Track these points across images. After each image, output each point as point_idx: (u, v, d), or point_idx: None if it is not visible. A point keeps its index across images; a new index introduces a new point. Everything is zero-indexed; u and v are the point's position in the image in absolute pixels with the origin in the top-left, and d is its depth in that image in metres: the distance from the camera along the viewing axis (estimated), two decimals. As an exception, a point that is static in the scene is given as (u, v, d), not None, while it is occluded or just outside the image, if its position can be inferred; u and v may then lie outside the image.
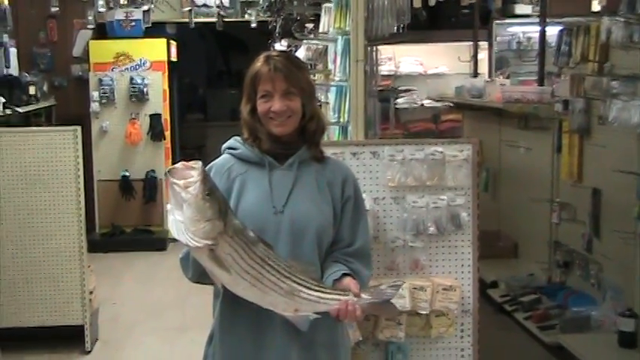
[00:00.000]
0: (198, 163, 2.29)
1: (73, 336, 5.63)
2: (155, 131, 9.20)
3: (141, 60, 9.35)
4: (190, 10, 9.61)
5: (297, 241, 2.51)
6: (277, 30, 8.34)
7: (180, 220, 2.26)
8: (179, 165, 2.30)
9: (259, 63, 2.57)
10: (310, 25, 7.27)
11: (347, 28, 4.54)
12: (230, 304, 2.52)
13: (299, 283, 2.38)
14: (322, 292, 2.42)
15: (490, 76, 8.28)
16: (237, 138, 2.65)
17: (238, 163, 2.60)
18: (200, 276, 2.48)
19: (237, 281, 2.34)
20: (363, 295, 2.44)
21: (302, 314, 2.41)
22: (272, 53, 2.63)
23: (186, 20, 9.74)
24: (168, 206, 2.30)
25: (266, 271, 2.34)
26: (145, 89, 9.15)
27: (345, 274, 2.51)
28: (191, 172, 2.27)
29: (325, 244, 2.57)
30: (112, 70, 9.27)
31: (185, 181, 2.25)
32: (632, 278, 5.03)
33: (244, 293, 2.38)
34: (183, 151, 10.76)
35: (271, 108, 2.52)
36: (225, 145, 2.68)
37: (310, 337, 2.50)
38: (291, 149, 2.59)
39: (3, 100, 7.24)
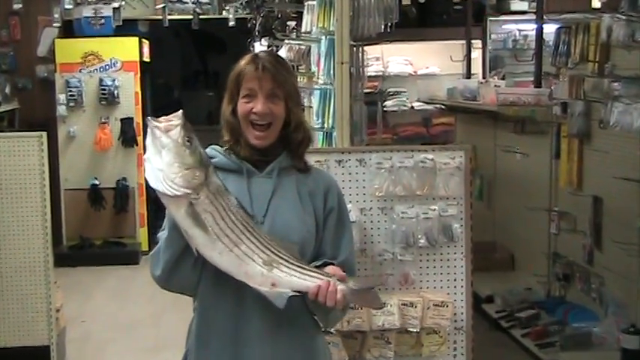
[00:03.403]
0: (179, 113, 2.37)
1: (38, 357, 5.59)
2: (127, 136, 9.18)
3: (111, 60, 9.33)
4: (164, 7, 9.62)
5: None
6: (257, 28, 8.37)
7: (159, 168, 2.30)
8: (161, 118, 2.38)
9: (245, 61, 2.58)
10: (292, 24, 7.30)
11: (331, 28, 4.56)
12: (205, 320, 2.54)
13: (280, 257, 2.40)
14: (304, 268, 2.43)
15: (484, 76, 8.33)
16: (215, 147, 2.67)
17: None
18: (170, 271, 2.47)
19: (215, 244, 2.36)
20: (348, 281, 2.44)
21: (280, 290, 2.40)
22: (260, 53, 2.67)
23: (160, 17, 9.75)
24: (145, 156, 2.35)
25: (246, 238, 2.37)
26: (115, 91, 9.14)
27: (327, 263, 2.52)
28: (172, 119, 2.35)
29: (307, 258, 2.57)
30: (80, 71, 9.25)
31: (166, 124, 2.32)
32: (635, 292, 5.06)
33: (219, 259, 2.39)
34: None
35: (253, 109, 2.52)
36: None
37: (288, 355, 2.51)
38: (270, 156, 2.60)
39: (-38, 103, 7.22)
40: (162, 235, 2.48)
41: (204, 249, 2.38)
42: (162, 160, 2.30)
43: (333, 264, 2.53)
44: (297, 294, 2.42)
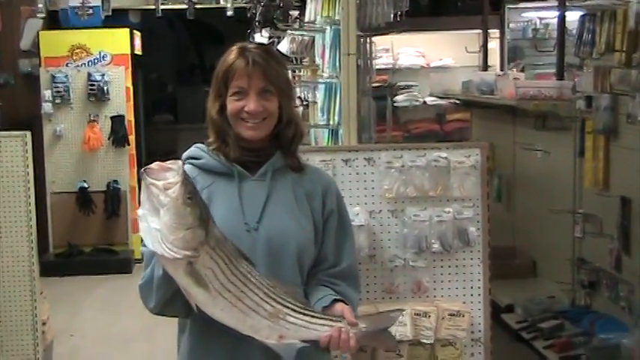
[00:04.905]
0: (177, 163, 2.31)
1: (23, 374, 5.62)
2: (117, 136, 9.19)
3: (100, 53, 9.35)
4: (157, -4, 9.64)
5: (275, 263, 2.51)
6: (257, 18, 8.37)
7: (156, 228, 2.25)
8: (154, 165, 2.31)
9: (233, 55, 2.58)
10: (295, 13, 7.30)
11: (336, 17, 4.58)
12: (200, 338, 2.53)
13: (285, 306, 2.39)
14: (312, 316, 2.43)
15: (502, 69, 8.35)
16: (200, 145, 2.66)
17: (202, 174, 2.61)
18: (164, 305, 2.47)
19: (216, 300, 2.34)
20: (360, 324, 2.45)
21: (287, 342, 2.41)
22: (248, 45, 2.64)
23: (153, 7, 9.79)
24: (140, 212, 2.30)
25: (248, 290, 2.35)
26: (105, 87, 9.15)
27: (335, 300, 2.52)
28: (169, 173, 2.28)
29: (307, 265, 2.59)
30: (67, 65, 9.27)
31: (164, 182, 2.26)
32: (667, 300, 5.06)
33: (222, 315, 2.37)
34: (150, 159, 10.69)
35: (244, 108, 2.53)
36: (185, 155, 2.68)
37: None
38: (262, 157, 2.60)
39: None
40: (157, 272, 2.42)
41: (206, 307, 2.36)
42: (160, 220, 2.24)
43: (342, 301, 2.53)
44: (307, 344, 2.42)
